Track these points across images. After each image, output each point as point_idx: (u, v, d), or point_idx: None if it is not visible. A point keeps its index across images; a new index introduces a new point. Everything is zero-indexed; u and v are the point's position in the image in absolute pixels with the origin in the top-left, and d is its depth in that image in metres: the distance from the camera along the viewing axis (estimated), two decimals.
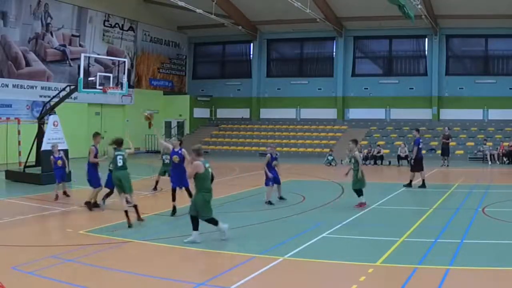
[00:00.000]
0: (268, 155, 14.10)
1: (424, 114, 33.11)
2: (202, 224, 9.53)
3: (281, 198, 14.38)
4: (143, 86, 34.99)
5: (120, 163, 11.37)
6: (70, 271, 7.92)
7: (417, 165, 17.23)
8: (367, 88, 34.58)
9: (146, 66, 35.20)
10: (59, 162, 14.90)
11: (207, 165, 9.68)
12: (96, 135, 13.46)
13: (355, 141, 14.02)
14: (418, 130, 18.20)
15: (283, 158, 28.67)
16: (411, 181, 17.23)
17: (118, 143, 11.57)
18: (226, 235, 9.62)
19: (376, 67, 36.03)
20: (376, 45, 35.52)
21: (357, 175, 13.26)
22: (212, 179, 9.86)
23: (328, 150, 28.34)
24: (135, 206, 11.24)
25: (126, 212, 10.92)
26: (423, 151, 27.76)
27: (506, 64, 32.40)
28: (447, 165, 24.87)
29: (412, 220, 11.55)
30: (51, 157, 15.07)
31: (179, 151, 12.52)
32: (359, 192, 13.37)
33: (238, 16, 34.13)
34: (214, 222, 9.61)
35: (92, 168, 13.04)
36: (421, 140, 17.76)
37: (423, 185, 16.99)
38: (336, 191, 16.45)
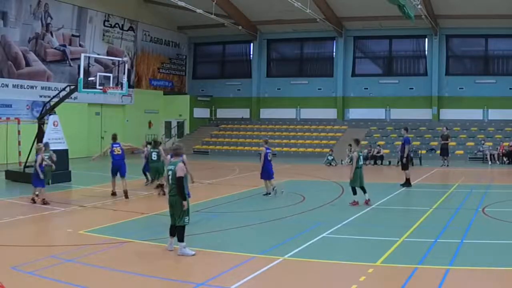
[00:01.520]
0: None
1: (424, 114, 33.11)
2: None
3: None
4: (143, 86, 34.98)
5: (154, 157, 15.75)
6: (70, 271, 7.91)
7: (407, 163, 17.29)
8: (367, 88, 34.57)
9: (146, 66, 35.20)
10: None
11: (168, 167, 8.96)
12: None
13: (356, 141, 14.18)
14: (406, 129, 18.10)
15: (283, 158, 28.73)
16: (408, 180, 17.24)
17: (156, 143, 16.34)
18: (170, 247, 8.91)
19: (376, 67, 36.01)
20: (376, 45, 35.52)
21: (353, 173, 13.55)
22: (175, 183, 8.69)
23: (328, 150, 28.34)
24: (162, 185, 14.42)
25: (161, 186, 14.69)
26: (423, 151, 28.05)
27: (506, 64, 32.40)
28: (447, 165, 24.86)
29: (412, 220, 11.54)
30: (44, 155, 13.93)
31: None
32: (353, 191, 13.62)
33: (238, 16, 34.13)
34: (172, 231, 8.92)
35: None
36: (410, 139, 17.77)
37: (407, 184, 17.07)
38: (336, 191, 16.44)
